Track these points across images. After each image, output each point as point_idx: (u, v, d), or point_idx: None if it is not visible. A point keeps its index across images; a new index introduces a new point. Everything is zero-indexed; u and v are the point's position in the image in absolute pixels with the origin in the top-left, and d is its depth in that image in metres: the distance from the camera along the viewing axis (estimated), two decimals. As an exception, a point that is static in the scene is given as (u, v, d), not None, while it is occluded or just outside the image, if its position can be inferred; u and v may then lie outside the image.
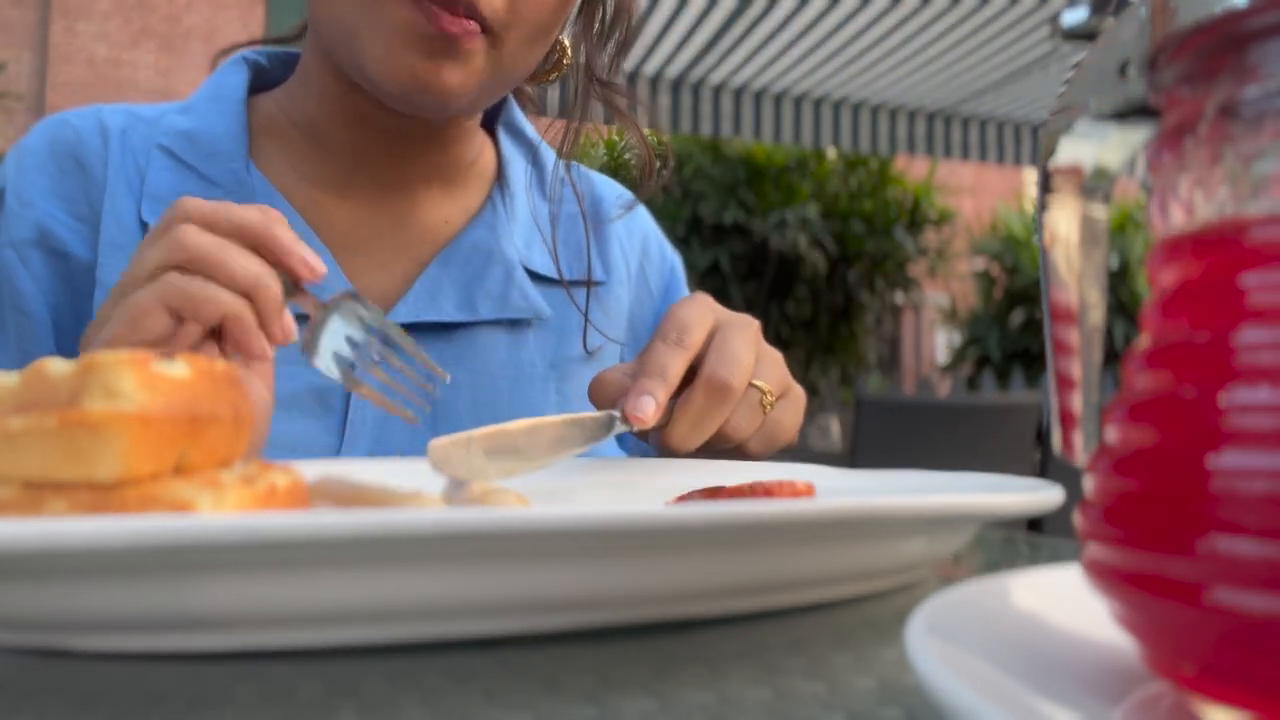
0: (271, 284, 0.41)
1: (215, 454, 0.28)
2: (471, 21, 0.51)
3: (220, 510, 0.25)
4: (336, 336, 0.44)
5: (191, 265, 0.40)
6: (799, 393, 0.55)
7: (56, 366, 0.25)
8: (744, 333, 0.50)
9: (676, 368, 0.47)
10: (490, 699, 0.21)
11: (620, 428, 0.46)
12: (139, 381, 0.25)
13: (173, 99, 0.66)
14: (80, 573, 0.22)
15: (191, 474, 0.27)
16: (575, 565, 0.24)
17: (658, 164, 0.68)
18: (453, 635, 0.25)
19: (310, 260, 0.42)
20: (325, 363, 0.44)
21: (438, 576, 0.23)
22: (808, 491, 0.34)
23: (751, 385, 0.50)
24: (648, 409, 0.45)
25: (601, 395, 0.50)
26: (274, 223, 0.42)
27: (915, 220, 9.11)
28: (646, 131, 0.68)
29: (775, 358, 0.53)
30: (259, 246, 0.42)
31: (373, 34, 0.52)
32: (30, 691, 0.21)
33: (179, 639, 0.24)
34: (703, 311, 0.50)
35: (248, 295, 0.41)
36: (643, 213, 0.76)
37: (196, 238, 0.40)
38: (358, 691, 0.21)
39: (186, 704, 0.20)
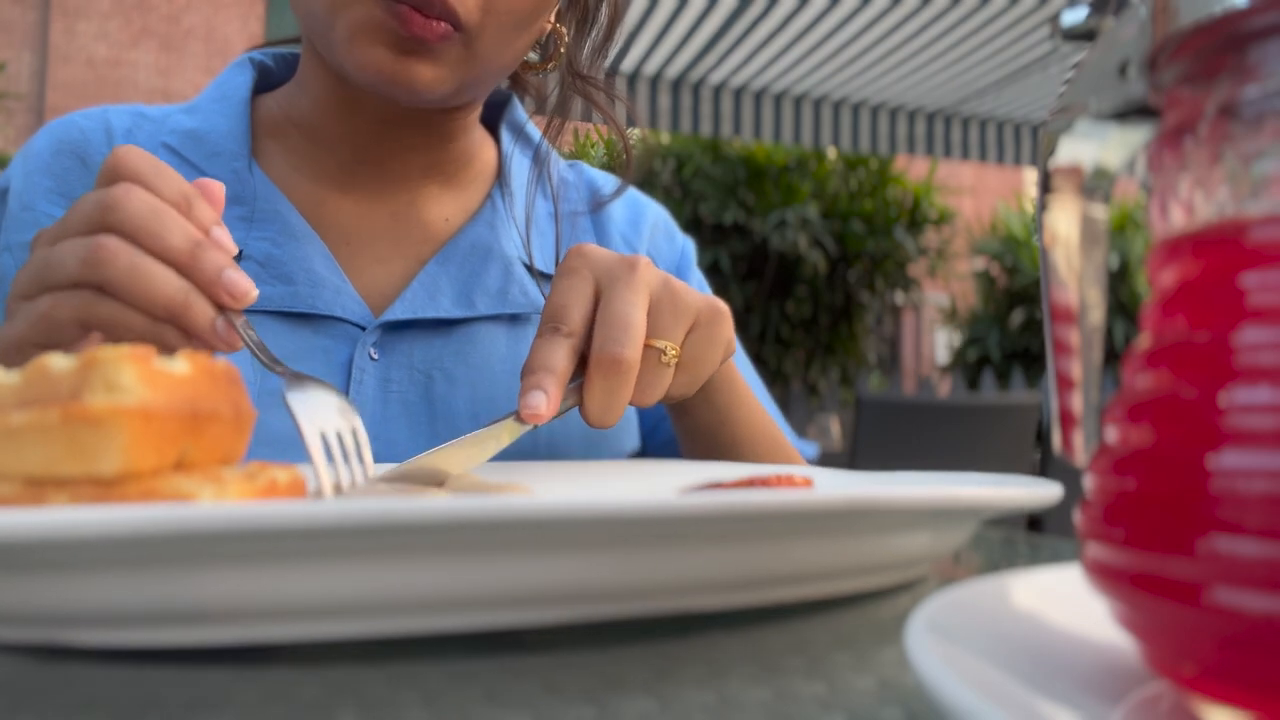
0: (192, 308, 0.40)
1: (216, 451, 0.28)
2: (443, 24, 0.51)
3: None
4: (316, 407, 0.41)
5: (110, 288, 0.39)
6: (712, 312, 0.50)
7: (58, 362, 0.25)
8: (628, 289, 0.47)
9: (562, 359, 0.45)
10: (490, 699, 0.21)
11: (515, 429, 0.45)
12: (140, 377, 0.25)
13: (173, 99, 0.67)
14: (82, 564, 0.22)
15: (192, 471, 0.27)
16: (576, 556, 0.24)
17: (635, 154, 0.69)
18: (453, 628, 0.25)
19: (234, 287, 0.40)
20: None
21: (439, 566, 0.23)
22: (806, 486, 0.34)
23: (647, 347, 0.47)
24: (540, 405, 0.44)
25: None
26: (200, 248, 0.40)
27: (915, 220, 9.10)
28: (637, 132, 0.68)
29: (672, 291, 0.49)
30: (184, 270, 0.40)
31: (343, 29, 0.52)
32: (30, 691, 0.21)
33: (180, 632, 0.24)
34: (577, 283, 0.47)
35: (169, 319, 0.40)
36: (652, 204, 0.77)
37: (119, 257, 0.39)
38: (358, 691, 0.21)
39: (186, 704, 0.20)
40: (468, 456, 0.44)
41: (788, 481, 0.33)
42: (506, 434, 0.44)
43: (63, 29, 10.06)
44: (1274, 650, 0.14)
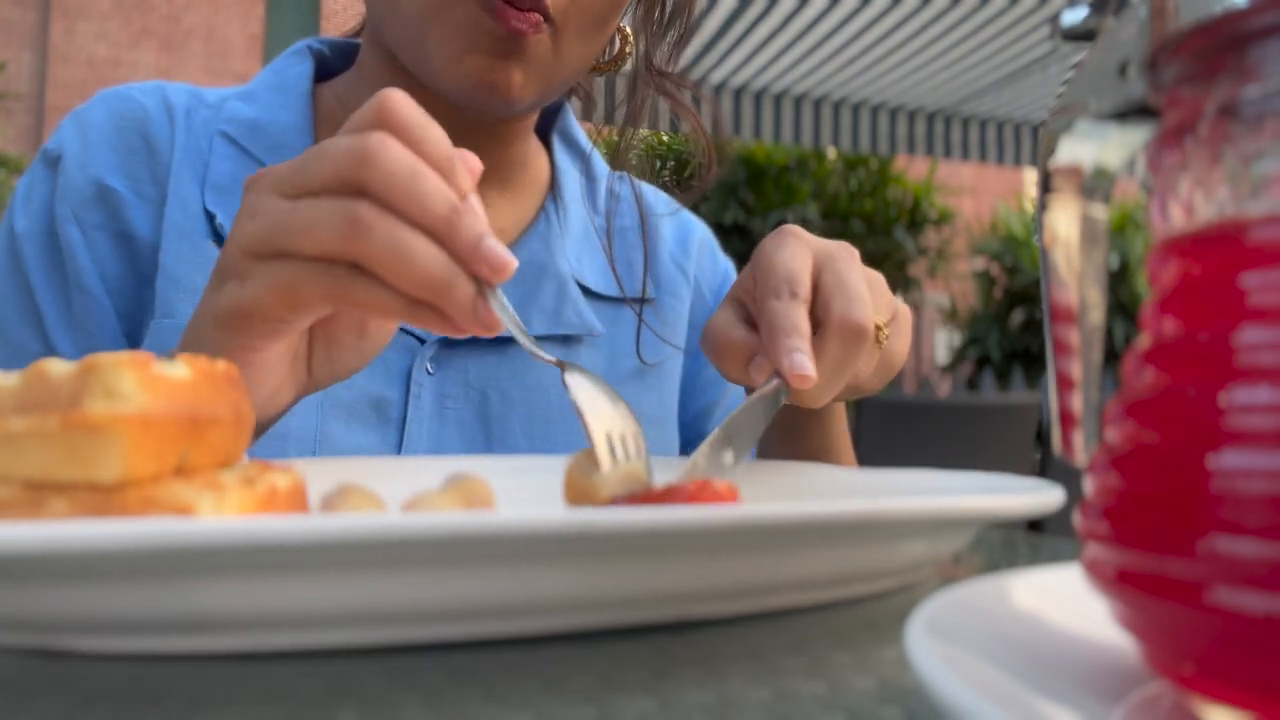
0: (454, 286, 0.36)
1: (216, 455, 0.28)
2: (535, 14, 0.51)
3: (221, 512, 0.25)
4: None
5: (366, 265, 0.35)
6: (905, 312, 0.51)
7: (57, 367, 0.25)
8: (853, 264, 0.46)
9: (806, 322, 0.44)
10: (490, 698, 0.21)
11: (784, 396, 0.44)
12: (140, 383, 0.25)
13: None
14: (82, 576, 0.22)
15: (192, 475, 0.27)
16: (573, 568, 0.24)
17: (716, 160, 0.66)
18: (448, 637, 0.25)
19: (494, 258, 0.36)
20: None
21: (433, 579, 0.23)
22: (729, 495, 0.33)
23: None
24: (808, 366, 0.42)
25: (729, 354, 0.47)
26: (458, 214, 0.36)
27: (915, 220, 9.11)
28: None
29: (878, 281, 0.49)
30: (442, 239, 0.36)
31: (440, 37, 0.51)
32: (30, 691, 0.21)
33: (180, 641, 0.24)
34: (801, 252, 0.46)
35: (428, 300, 0.36)
36: (698, 222, 0.75)
37: (376, 230, 0.35)
38: (358, 691, 0.21)
39: (186, 704, 0.20)
40: (750, 439, 0.43)
41: (710, 491, 0.32)
42: (774, 405, 0.43)
43: (63, 29, 10.05)
44: (1274, 650, 0.14)
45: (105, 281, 0.54)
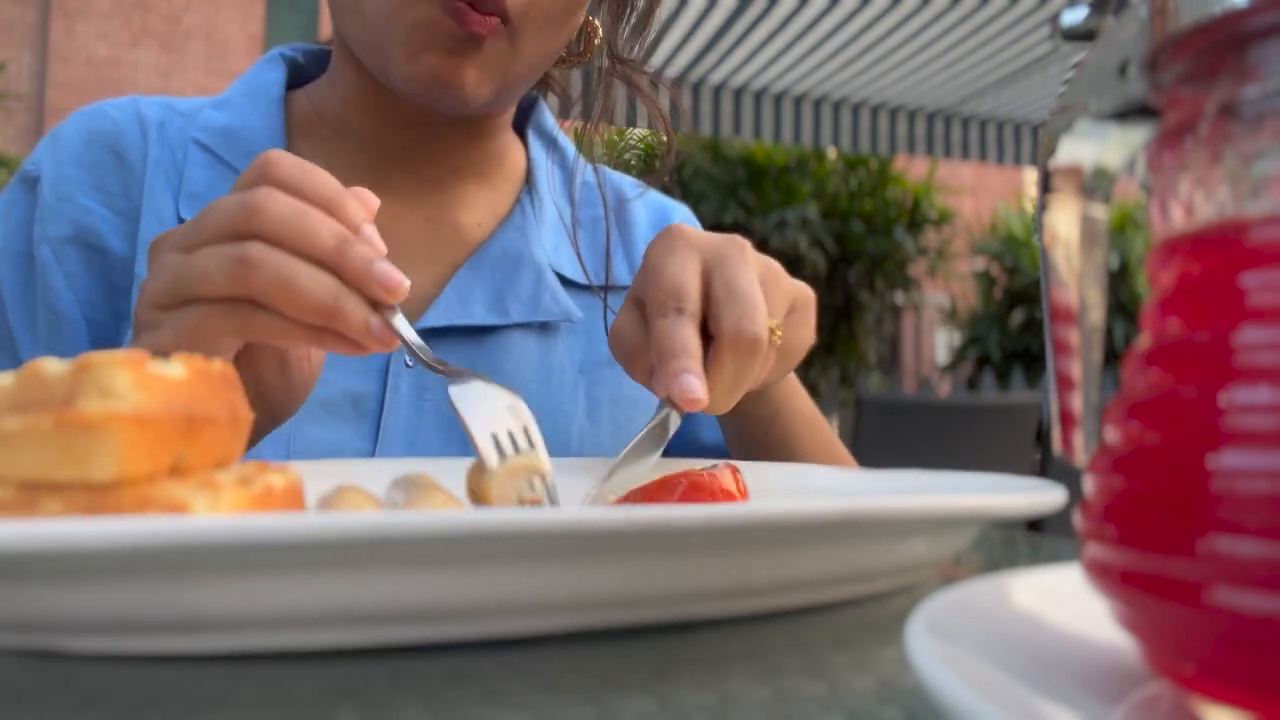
0: (343, 309, 0.38)
1: (212, 454, 0.28)
2: (494, 17, 0.51)
3: (216, 511, 0.25)
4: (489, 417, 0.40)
5: (260, 299, 0.37)
6: (804, 297, 0.49)
7: (52, 366, 0.25)
8: (742, 265, 0.44)
9: (695, 339, 0.42)
10: (489, 698, 0.21)
11: (676, 420, 0.43)
12: (134, 382, 0.25)
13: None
14: (76, 575, 0.22)
15: (188, 475, 0.27)
16: (572, 567, 0.24)
17: (673, 148, 0.67)
18: (447, 637, 0.25)
19: (386, 280, 0.38)
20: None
21: (431, 578, 0.23)
22: (738, 489, 0.34)
23: None
24: (697, 389, 0.41)
25: (634, 361, 0.46)
26: (347, 244, 0.38)
27: (915, 220, 9.12)
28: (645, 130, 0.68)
29: (773, 271, 0.47)
30: (332, 268, 0.38)
31: (398, 35, 0.52)
32: (28, 692, 0.21)
33: (177, 641, 0.23)
34: (687, 262, 0.44)
35: (323, 325, 0.38)
36: (678, 206, 0.75)
37: (263, 265, 0.37)
38: (357, 691, 0.21)
39: (185, 704, 0.20)
40: (641, 467, 0.42)
41: (725, 479, 0.32)
42: (669, 428, 0.42)
43: (63, 29, 10.06)
44: (1274, 650, 0.14)
45: (75, 293, 0.55)
